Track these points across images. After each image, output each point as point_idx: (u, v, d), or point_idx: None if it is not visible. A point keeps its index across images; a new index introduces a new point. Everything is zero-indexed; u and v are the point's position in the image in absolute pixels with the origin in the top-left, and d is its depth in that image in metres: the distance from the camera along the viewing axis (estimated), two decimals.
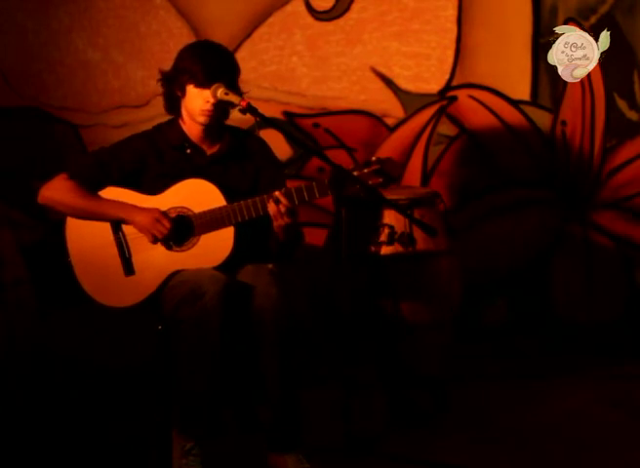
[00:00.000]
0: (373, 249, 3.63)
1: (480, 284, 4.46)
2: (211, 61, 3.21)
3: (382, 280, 3.64)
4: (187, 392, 3.09)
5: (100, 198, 3.27)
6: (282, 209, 3.10)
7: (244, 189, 3.29)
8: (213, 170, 3.29)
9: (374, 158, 3.10)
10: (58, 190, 3.28)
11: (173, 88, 3.29)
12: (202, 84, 3.19)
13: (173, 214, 3.22)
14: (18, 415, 3.71)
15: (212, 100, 3.19)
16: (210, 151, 3.33)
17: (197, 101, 3.23)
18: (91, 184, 3.27)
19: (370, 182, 3.05)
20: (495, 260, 4.56)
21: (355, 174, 3.05)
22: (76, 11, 4.40)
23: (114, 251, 3.26)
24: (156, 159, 3.29)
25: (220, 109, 3.25)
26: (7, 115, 4.46)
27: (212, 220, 3.19)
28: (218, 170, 3.30)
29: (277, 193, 3.11)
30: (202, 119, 3.25)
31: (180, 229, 3.21)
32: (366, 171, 3.06)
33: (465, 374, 3.95)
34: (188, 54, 3.26)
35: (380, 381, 3.74)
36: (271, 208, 3.11)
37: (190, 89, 3.23)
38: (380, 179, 3.05)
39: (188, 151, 3.31)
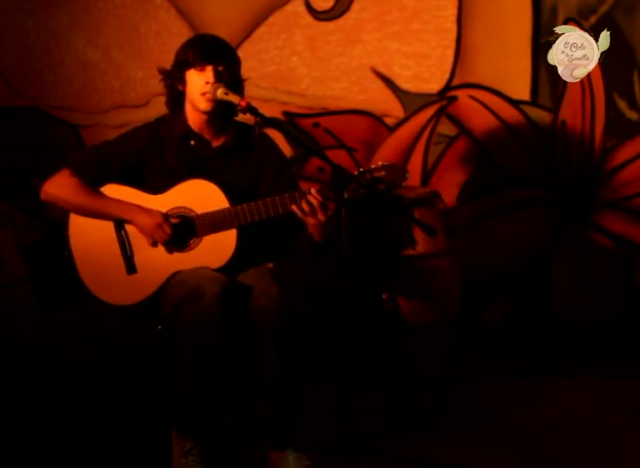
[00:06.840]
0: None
1: (480, 284, 4.46)
2: (204, 43, 3.25)
3: (383, 280, 3.64)
4: (187, 392, 3.09)
5: (103, 196, 3.25)
6: (315, 202, 3.06)
7: (245, 185, 3.27)
8: (216, 163, 3.27)
9: (380, 163, 3.11)
10: (61, 188, 3.26)
11: (174, 83, 3.27)
12: (199, 63, 3.18)
13: (174, 216, 3.21)
14: (18, 415, 3.71)
15: (211, 80, 3.17)
16: (215, 143, 3.31)
17: (197, 84, 3.19)
18: (93, 181, 3.26)
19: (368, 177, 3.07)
20: (495, 260, 4.56)
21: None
22: (76, 11, 4.41)
23: (117, 248, 3.25)
24: (158, 152, 3.27)
25: (223, 106, 3.24)
26: (7, 115, 4.47)
27: (215, 222, 3.17)
28: (221, 163, 3.28)
29: (313, 190, 3.08)
30: (203, 105, 3.20)
31: (183, 231, 3.21)
32: (368, 177, 3.07)
33: (466, 374, 3.95)
34: (184, 46, 3.27)
35: (381, 381, 3.74)
36: (304, 205, 3.08)
37: (189, 74, 3.21)
38: (382, 186, 3.06)
39: (192, 143, 3.29)
